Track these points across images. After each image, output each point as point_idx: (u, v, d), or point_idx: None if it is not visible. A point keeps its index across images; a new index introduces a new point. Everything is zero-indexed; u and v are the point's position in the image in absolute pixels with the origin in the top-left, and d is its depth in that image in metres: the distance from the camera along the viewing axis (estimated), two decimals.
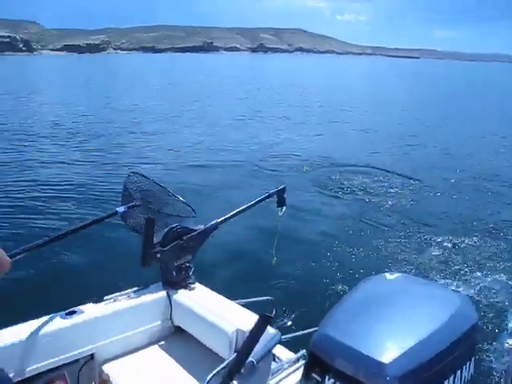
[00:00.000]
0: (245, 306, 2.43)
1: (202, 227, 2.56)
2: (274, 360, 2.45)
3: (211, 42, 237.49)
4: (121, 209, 2.57)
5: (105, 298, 2.40)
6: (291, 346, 2.63)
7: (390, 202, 8.20)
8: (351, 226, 6.95)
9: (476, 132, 17.22)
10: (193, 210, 2.67)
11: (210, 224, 2.58)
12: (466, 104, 28.28)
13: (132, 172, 2.70)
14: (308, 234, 6.65)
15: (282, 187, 2.80)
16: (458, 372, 1.29)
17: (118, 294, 2.47)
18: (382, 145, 13.94)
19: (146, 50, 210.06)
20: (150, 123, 16.79)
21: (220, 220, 2.62)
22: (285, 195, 2.77)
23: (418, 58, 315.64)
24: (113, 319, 2.32)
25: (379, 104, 25.65)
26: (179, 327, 2.55)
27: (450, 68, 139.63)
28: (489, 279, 5.16)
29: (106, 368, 2.28)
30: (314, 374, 1.26)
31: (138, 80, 40.78)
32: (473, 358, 1.36)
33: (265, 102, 24.28)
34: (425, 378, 1.19)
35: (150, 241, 2.40)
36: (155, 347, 2.50)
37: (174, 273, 2.53)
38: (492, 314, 4.41)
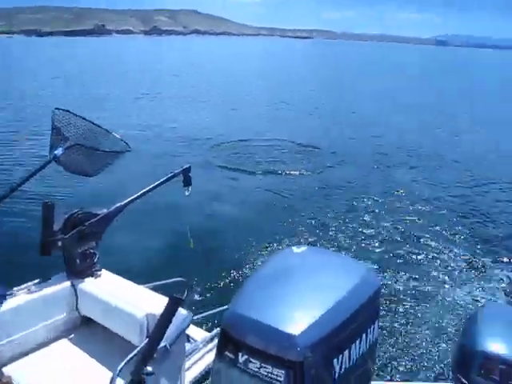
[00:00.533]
0: (155, 289, 2.36)
1: (105, 211, 2.41)
2: (189, 341, 2.42)
3: (103, 25, 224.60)
4: (59, 151, 2.29)
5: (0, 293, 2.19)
6: (206, 325, 2.62)
7: (295, 174, 8.50)
8: (262, 202, 7.07)
9: (363, 102, 18.80)
10: (127, 145, 2.50)
11: (113, 207, 2.45)
12: (360, 80, 30.27)
13: (56, 108, 2.39)
14: (219, 213, 6.65)
15: (186, 167, 2.73)
16: (364, 335, 1.35)
17: (16, 288, 2.27)
18: (281, 120, 14.44)
19: (28, 33, 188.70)
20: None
21: (124, 203, 2.49)
22: (190, 174, 2.71)
23: (311, 38, 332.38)
24: (11, 316, 2.14)
25: (276, 83, 26.37)
26: (87, 317, 2.42)
27: (342, 47, 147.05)
28: (390, 251, 5.54)
29: (7, 370, 2.10)
30: (226, 353, 1.25)
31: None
32: (376, 321, 1.44)
33: (162, 84, 23.69)
34: (334, 344, 1.23)
35: (50, 227, 2.23)
36: (62, 341, 2.36)
37: (78, 261, 2.38)
38: (392, 281, 4.75)
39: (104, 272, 2.47)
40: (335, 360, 1.24)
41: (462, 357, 1.70)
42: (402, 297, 4.40)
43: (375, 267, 4.84)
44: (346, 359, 1.27)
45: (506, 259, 5.38)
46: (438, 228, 6.22)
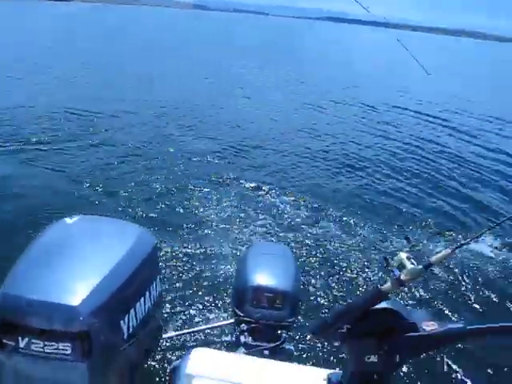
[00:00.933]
0: None
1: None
2: None
3: None
4: None
5: None
6: None
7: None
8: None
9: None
10: None
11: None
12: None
13: None
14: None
15: None
16: (147, 293, 1.43)
17: None
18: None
19: None
20: None
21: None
22: None
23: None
24: None
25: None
26: None
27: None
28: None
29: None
30: (4, 341, 1.16)
31: None
32: (158, 277, 1.53)
33: None
34: (118, 306, 1.28)
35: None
36: None
37: None
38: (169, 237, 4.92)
39: None
40: (122, 322, 1.29)
41: (236, 294, 1.98)
42: (179, 252, 4.58)
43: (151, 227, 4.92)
44: (133, 318, 1.34)
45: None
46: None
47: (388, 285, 1.16)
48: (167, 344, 2.97)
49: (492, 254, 5.05)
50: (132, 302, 1.34)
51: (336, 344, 1.24)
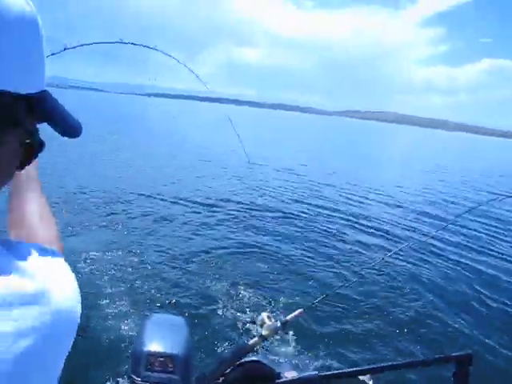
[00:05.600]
0: None
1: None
2: None
3: None
4: None
5: None
6: None
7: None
8: None
9: None
10: None
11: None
12: None
13: None
14: None
15: None
16: None
17: None
18: None
19: None
20: None
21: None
22: None
23: None
24: None
25: None
26: None
27: None
28: None
29: None
30: None
31: None
32: None
33: None
34: None
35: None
36: None
37: None
38: None
39: None
40: None
41: (133, 359, 2.12)
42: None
43: None
44: None
45: None
46: None
47: (254, 340, 1.43)
48: None
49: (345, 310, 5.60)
50: None
51: None
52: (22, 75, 0.53)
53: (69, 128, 0.62)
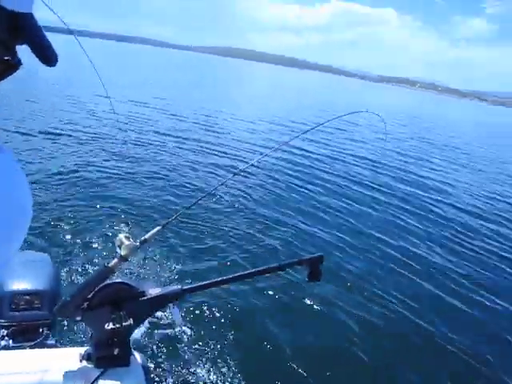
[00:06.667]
0: None
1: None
2: None
3: None
4: None
5: None
6: None
7: None
8: None
9: None
10: None
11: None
12: None
13: None
14: None
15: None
16: None
17: None
18: None
19: None
20: None
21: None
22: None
23: None
24: None
25: None
26: None
27: None
28: None
29: None
30: None
31: None
32: None
33: None
34: None
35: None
36: None
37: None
38: None
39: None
40: None
41: None
42: None
43: None
44: None
45: None
46: None
47: (114, 261, 1.42)
48: None
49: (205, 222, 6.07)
50: None
51: (78, 319, 1.44)
52: None
53: (46, 55, 0.65)
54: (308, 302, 4.50)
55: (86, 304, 1.43)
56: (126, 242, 1.39)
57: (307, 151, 12.62)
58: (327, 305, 4.52)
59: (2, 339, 1.90)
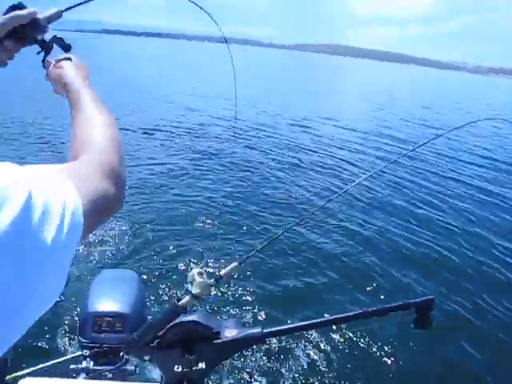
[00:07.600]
0: None
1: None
2: None
3: None
4: None
5: None
6: None
7: None
8: None
9: None
10: None
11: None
12: None
13: None
14: None
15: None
16: None
17: None
18: None
19: None
20: None
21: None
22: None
23: None
24: None
25: None
26: None
27: None
28: None
29: None
30: None
31: None
32: None
33: None
34: None
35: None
36: None
37: None
38: None
39: None
40: None
41: (80, 322, 2.02)
42: None
43: None
44: None
45: None
46: None
47: (186, 299, 1.30)
48: None
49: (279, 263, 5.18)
50: None
51: (146, 358, 1.34)
52: None
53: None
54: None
55: (156, 342, 1.32)
56: (199, 280, 1.26)
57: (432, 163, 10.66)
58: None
59: (84, 359, 1.91)
